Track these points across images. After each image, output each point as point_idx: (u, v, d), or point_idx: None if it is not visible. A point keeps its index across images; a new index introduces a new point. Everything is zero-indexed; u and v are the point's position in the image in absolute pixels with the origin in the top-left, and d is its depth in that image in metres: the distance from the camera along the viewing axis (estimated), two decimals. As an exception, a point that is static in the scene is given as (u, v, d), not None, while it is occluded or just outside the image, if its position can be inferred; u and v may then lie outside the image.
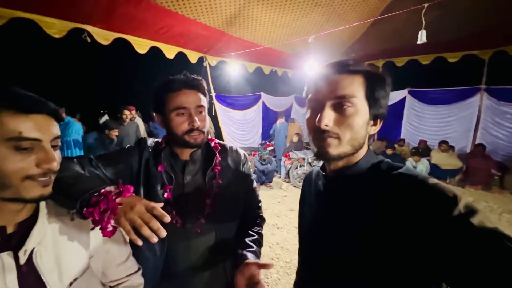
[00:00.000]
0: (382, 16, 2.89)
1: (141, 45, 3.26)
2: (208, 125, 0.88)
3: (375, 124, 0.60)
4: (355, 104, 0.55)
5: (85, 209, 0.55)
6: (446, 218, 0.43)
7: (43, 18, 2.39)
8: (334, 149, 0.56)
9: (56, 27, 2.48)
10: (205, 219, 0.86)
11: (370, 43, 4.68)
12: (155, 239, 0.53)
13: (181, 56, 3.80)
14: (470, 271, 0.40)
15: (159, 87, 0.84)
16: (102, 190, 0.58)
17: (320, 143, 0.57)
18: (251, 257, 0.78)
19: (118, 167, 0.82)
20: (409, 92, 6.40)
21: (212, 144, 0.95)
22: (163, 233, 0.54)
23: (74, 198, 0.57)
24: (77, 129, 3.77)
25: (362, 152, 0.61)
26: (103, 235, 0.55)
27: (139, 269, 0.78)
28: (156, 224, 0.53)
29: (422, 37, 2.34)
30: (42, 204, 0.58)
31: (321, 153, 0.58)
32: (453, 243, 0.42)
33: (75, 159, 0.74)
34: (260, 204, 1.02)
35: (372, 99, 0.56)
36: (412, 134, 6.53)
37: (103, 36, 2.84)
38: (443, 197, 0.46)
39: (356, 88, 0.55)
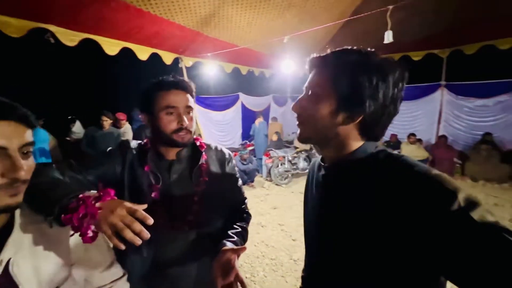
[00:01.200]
0: (352, 17, 3.04)
1: (111, 46, 3.09)
2: (195, 125, 0.90)
3: (351, 118, 0.56)
4: (317, 95, 0.59)
5: (63, 215, 0.52)
6: (445, 212, 0.43)
7: (-2, 17, 2.19)
8: (301, 132, 0.64)
9: (13, 26, 2.27)
10: (192, 217, 0.86)
11: (342, 44, 4.85)
12: (138, 242, 0.52)
13: (155, 57, 3.67)
14: (471, 266, 0.40)
15: (149, 86, 0.85)
16: (81, 195, 0.55)
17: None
18: (229, 245, 0.79)
19: (101, 169, 0.81)
20: (379, 90, 6.77)
21: (198, 143, 0.96)
22: (146, 235, 0.53)
23: (51, 204, 0.54)
24: (42, 136, 3.43)
25: (357, 142, 0.59)
26: (84, 242, 0.53)
27: (124, 275, 0.76)
28: (138, 227, 0.52)
29: (388, 37, 2.49)
30: (17, 213, 0.55)
31: (297, 136, 0.66)
32: (453, 237, 0.42)
33: (54, 165, 0.72)
34: (245, 201, 1.05)
35: (336, 93, 0.56)
36: (383, 128, 6.92)
37: (69, 37, 2.64)
38: (442, 189, 0.45)
39: (319, 82, 0.60)
